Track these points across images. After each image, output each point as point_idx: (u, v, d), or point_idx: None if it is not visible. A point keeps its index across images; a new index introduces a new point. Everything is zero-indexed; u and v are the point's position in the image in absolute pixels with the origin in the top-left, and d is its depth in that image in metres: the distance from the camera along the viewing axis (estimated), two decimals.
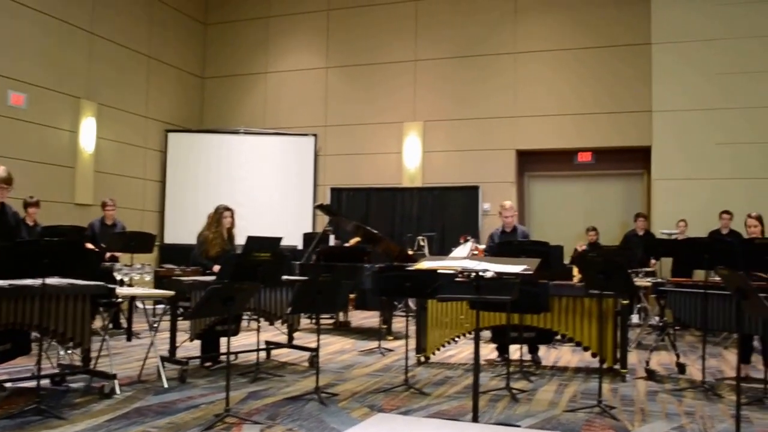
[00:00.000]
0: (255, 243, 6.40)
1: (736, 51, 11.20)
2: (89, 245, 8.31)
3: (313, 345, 5.73)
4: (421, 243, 11.33)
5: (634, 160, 12.15)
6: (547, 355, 7.58)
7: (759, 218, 6.57)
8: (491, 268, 3.93)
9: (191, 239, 7.12)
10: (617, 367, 6.29)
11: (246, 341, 7.83)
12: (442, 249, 11.89)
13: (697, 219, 10.40)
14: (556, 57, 12.32)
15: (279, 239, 6.87)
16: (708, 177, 11.15)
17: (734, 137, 11.08)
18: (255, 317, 7.91)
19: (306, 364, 6.77)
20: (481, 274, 3.96)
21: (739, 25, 11.21)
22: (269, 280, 5.76)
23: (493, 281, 4.10)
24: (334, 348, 7.97)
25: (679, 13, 11.53)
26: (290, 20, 14.13)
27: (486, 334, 7.58)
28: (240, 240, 7.04)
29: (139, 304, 9.70)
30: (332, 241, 11.32)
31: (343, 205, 13.29)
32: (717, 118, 11.22)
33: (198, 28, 14.55)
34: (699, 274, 6.33)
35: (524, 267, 3.89)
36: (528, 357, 7.04)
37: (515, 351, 6.80)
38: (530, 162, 12.78)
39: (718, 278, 5.48)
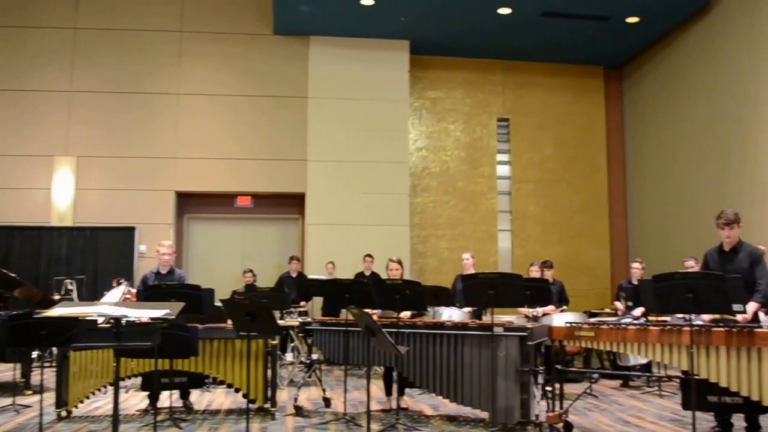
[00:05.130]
0: None
1: (376, 110, 12.55)
2: None
3: None
4: (69, 287, 10.55)
5: (290, 205, 12.80)
6: (201, 399, 7.53)
7: (399, 261, 7.34)
8: (130, 313, 3.83)
9: None
10: (267, 405, 6.51)
11: None
12: (94, 293, 11.22)
13: (347, 262, 11.28)
14: (219, 102, 12.52)
15: None
16: (355, 223, 12.20)
17: (375, 188, 12.34)
18: None
19: None
20: (120, 320, 3.83)
21: (381, 88, 12.59)
22: None
23: (135, 327, 3.98)
24: None
25: (331, 72, 12.58)
26: None
27: (138, 381, 7.29)
28: None
29: None
30: None
31: None
32: (362, 170, 12.38)
33: None
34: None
35: (166, 311, 3.86)
36: (180, 403, 6.95)
37: (167, 398, 6.65)
38: (190, 204, 12.71)
39: None
